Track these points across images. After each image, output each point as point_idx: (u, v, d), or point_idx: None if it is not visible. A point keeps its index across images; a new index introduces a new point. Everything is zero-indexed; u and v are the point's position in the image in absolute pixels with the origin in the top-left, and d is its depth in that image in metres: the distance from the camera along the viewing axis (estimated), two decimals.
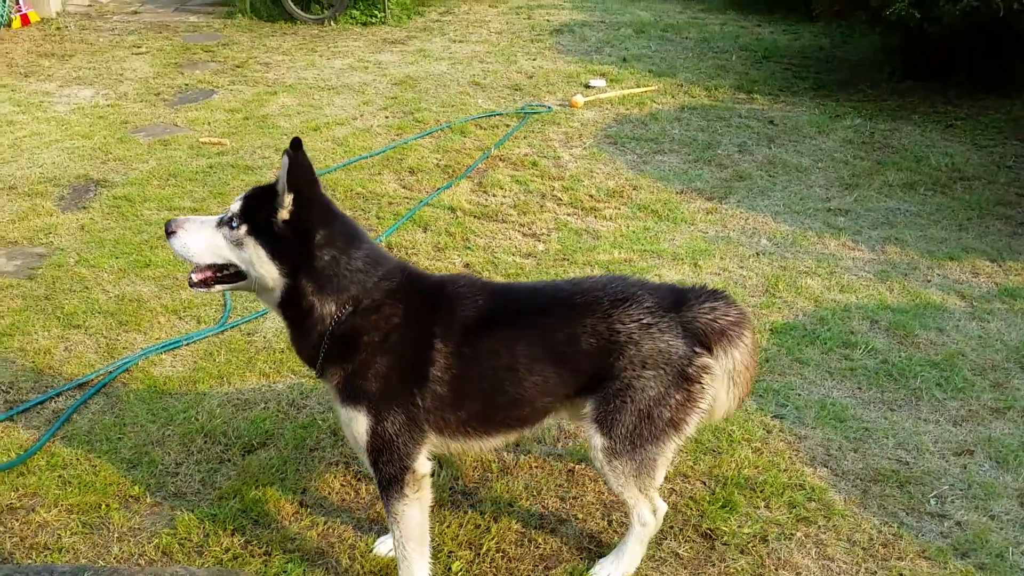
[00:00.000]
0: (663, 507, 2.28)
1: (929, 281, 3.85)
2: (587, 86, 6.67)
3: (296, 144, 1.94)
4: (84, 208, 4.39)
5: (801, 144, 5.51)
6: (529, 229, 4.34)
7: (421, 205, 4.53)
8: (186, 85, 6.48)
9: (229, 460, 2.65)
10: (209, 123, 5.68)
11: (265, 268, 1.99)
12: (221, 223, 2.01)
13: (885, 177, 4.98)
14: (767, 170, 5.12)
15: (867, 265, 4.00)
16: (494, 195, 4.72)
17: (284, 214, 1.97)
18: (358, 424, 2.05)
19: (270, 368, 3.11)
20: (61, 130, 5.46)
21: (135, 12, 8.90)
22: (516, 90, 6.58)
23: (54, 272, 3.72)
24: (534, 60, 7.40)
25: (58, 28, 8.08)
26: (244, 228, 1.98)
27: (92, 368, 3.07)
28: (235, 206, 2.01)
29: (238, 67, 6.98)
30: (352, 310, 2.02)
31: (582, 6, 9.50)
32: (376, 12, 8.55)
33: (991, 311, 3.56)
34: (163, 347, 3.20)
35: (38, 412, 2.85)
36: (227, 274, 2.03)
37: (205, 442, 2.71)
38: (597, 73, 6.98)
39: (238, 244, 1.99)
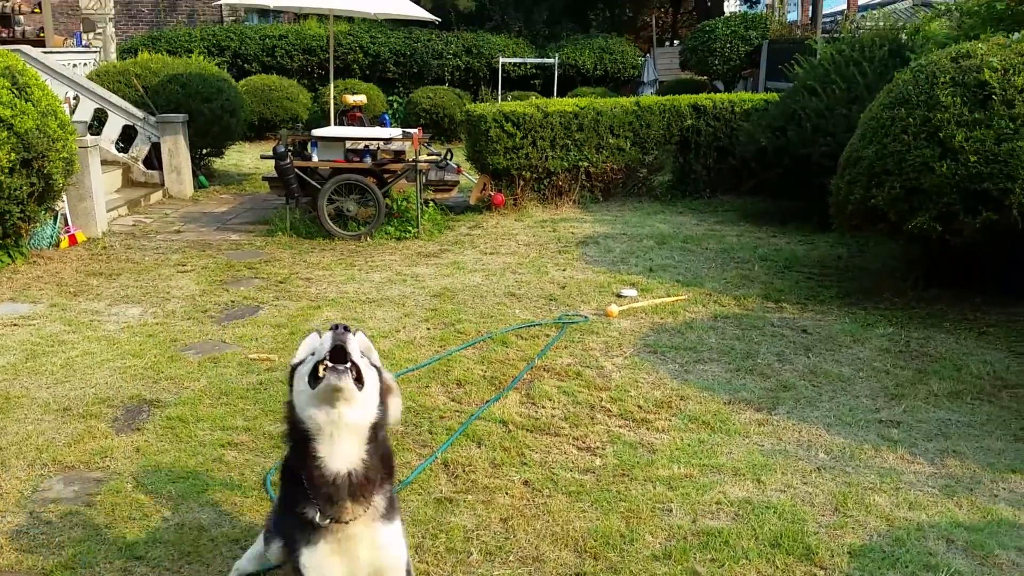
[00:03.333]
0: None
1: (996, 496, 3.78)
2: (619, 295, 6.88)
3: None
4: (138, 430, 4.40)
5: (838, 353, 5.60)
6: (583, 443, 4.32)
7: (472, 419, 4.55)
8: (232, 302, 6.69)
9: None
10: (256, 339, 5.81)
11: (373, 398, 2.27)
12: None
13: (929, 386, 5.02)
14: (810, 380, 5.17)
15: (930, 479, 3.95)
16: (543, 407, 4.75)
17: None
18: (401, 537, 2.38)
19: None
20: (112, 349, 5.59)
21: (178, 231, 9.34)
22: (551, 300, 6.78)
23: (112, 498, 3.68)
24: (564, 271, 7.68)
25: (104, 248, 8.44)
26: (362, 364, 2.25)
27: None
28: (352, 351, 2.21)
29: (281, 283, 7.24)
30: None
31: (602, 220, 9.96)
32: (410, 228, 8.97)
33: None
34: None
35: None
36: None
37: None
38: (627, 283, 7.22)
39: (369, 368, 2.28)
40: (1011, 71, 5.96)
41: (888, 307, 6.49)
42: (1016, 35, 6.67)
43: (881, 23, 10.89)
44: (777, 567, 3.25)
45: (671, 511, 3.66)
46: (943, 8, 9.62)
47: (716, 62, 19.38)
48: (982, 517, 3.61)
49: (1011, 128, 5.75)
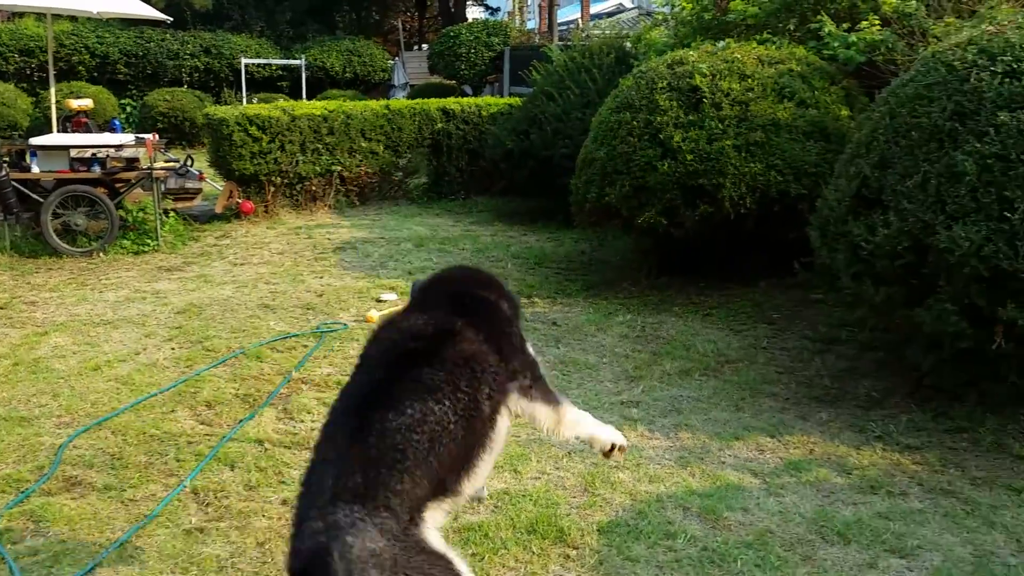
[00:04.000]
0: None
1: (724, 463, 4.19)
2: (379, 300, 6.86)
3: None
4: None
5: (585, 342, 5.95)
6: None
7: (224, 441, 4.34)
8: None
9: None
10: None
11: None
12: None
13: (663, 367, 5.46)
14: (561, 369, 5.44)
15: (666, 453, 4.30)
16: (302, 421, 4.63)
17: None
18: None
19: None
20: None
21: None
22: (308, 309, 6.62)
23: None
24: (321, 278, 7.54)
25: None
26: None
27: None
28: None
29: (1, 308, 6.51)
30: None
31: (359, 224, 9.89)
32: (148, 241, 8.39)
33: (783, 485, 3.93)
34: None
35: None
36: None
37: None
38: (386, 287, 7.22)
39: None
40: (718, 76, 6.61)
41: (626, 296, 6.98)
42: (722, 43, 7.41)
43: (608, 32, 11.67)
44: (534, 552, 3.40)
45: None
46: (661, 18, 10.40)
47: (463, 67, 19.87)
48: (712, 484, 3.98)
49: (720, 128, 6.38)
